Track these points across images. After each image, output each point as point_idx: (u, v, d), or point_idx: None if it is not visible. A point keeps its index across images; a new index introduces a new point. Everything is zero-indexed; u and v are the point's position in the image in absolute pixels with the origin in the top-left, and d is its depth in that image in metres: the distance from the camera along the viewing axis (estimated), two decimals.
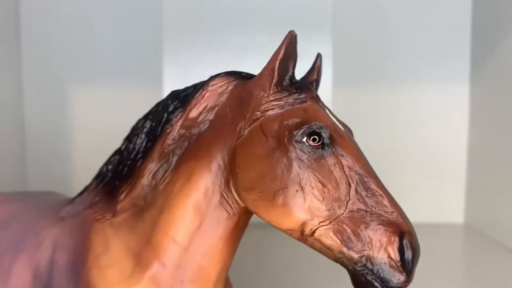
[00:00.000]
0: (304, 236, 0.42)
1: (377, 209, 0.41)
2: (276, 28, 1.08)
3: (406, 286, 0.40)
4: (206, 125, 0.49)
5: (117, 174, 0.52)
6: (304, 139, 0.43)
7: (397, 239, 0.40)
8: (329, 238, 0.41)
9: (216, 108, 0.49)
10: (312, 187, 0.42)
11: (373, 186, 0.42)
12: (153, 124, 0.51)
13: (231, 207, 0.47)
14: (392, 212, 0.41)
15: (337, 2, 1.17)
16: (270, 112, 0.45)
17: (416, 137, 1.20)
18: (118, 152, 0.53)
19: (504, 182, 1.04)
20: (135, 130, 0.52)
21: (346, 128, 0.48)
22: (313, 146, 0.43)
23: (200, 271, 0.47)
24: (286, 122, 0.44)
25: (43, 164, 1.21)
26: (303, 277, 0.85)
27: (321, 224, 0.41)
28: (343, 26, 1.18)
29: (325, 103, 0.49)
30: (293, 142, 0.43)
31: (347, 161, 0.43)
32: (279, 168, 0.43)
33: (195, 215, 0.47)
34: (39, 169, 1.21)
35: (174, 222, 0.47)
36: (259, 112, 0.46)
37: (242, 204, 0.46)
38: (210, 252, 0.47)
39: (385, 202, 0.42)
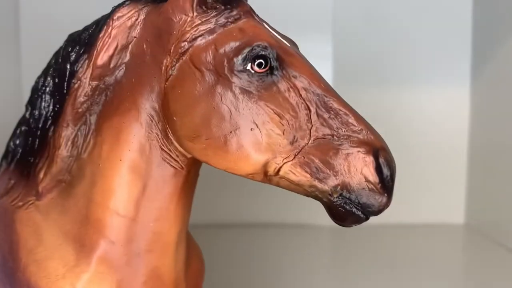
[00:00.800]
0: (268, 177, 0.37)
1: (344, 130, 0.37)
2: (276, 28, 1.07)
3: (387, 207, 0.37)
4: (123, 70, 0.41)
5: (28, 149, 0.44)
6: (248, 66, 0.37)
7: (372, 158, 0.36)
8: (297, 174, 0.36)
9: (130, 46, 0.40)
10: (268, 121, 0.36)
11: (335, 105, 0.37)
12: (56, 80, 0.42)
13: (176, 160, 0.40)
14: (361, 129, 0.37)
15: (337, 2, 1.17)
16: (199, 40, 0.38)
17: (416, 137, 1.19)
18: (23, 121, 0.45)
19: (505, 182, 1.03)
20: (36, 92, 0.44)
21: (291, 43, 0.41)
22: (260, 72, 0.37)
23: (156, 238, 0.41)
24: (222, 49, 0.37)
25: None
26: (300, 277, 0.84)
27: (285, 160, 0.36)
28: (343, 26, 1.17)
29: None
30: (235, 72, 0.37)
31: (301, 82, 0.37)
32: (224, 106, 0.36)
33: (135, 179, 0.40)
34: None
35: (112, 193, 0.40)
36: (185, 43, 0.38)
37: (188, 155, 0.40)
38: (163, 215, 0.41)
39: (351, 120, 0.37)
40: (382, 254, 0.97)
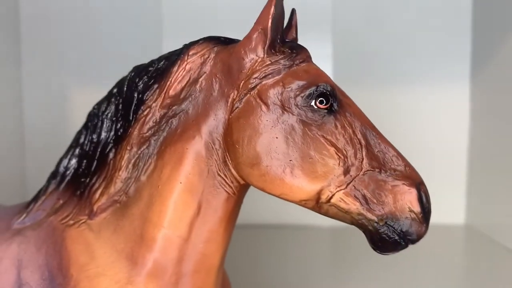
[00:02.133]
0: (319, 204, 0.41)
1: (389, 164, 0.41)
2: None
3: (424, 236, 0.40)
4: (190, 101, 0.44)
5: (82, 170, 0.46)
6: (312, 103, 0.41)
7: (415, 191, 0.40)
8: (348, 202, 0.40)
9: (200, 80, 0.44)
10: (325, 152, 0.40)
11: (382, 143, 0.42)
12: (121, 107, 0.45)
13: (230, 186, 0.44)
14: (404, 165, 0.41)
15: (337, 2, 1.17)
16: (268, 78, 0.42)
17: (416, 137, 1.19)
18: (76, 145, 0.47)
19: (505, 182, 1.03)
20: (96, 117, 0.46)
21: None
22: (321, 108, 0.41)
23: (204, 259, 0.44)
24: (289, 87, 0.41)
25: (42, 165, 1.20)
26: (300, 277, 0.84)
27: (338, 189, 0.40)
28: (343, 26, 1.17)
29: None
30: (299, 107, 0.41)
31: (355, 121, 0.42)
32: (286, 136, 0.40)
33: (192, 201, 0.43)
34: (39, 170, 1.21)
35: (168, 213, 0.43)
36: (255, 79, 0.42)
37: (242, 182, 0.43)
38: (212, 238, 0.44)
39: (395, 156, 0.42)
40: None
